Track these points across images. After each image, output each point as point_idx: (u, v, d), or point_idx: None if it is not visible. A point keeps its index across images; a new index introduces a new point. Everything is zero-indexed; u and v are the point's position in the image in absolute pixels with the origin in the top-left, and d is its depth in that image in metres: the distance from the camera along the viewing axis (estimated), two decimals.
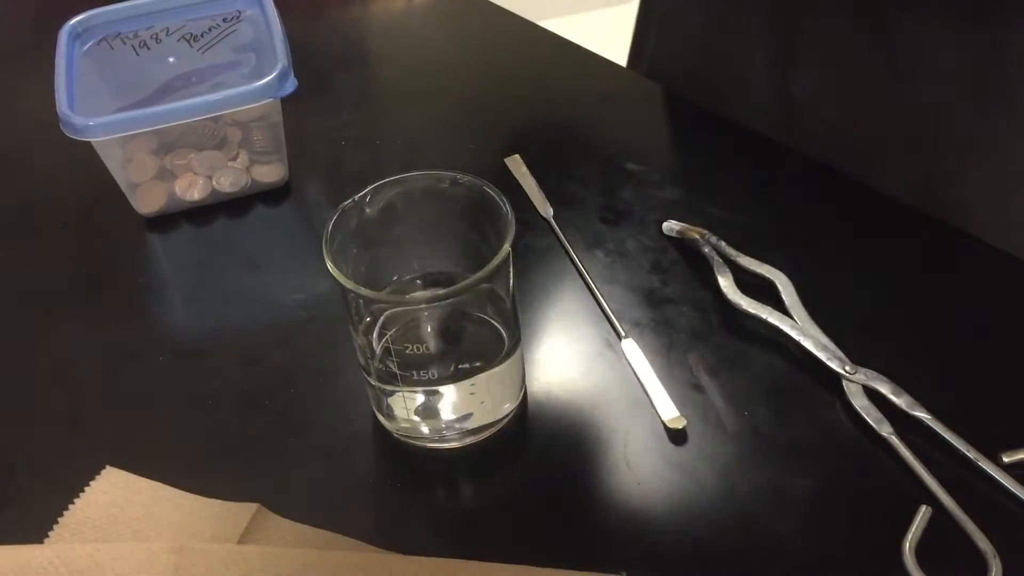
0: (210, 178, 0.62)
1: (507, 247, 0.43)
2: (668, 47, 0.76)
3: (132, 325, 0.56)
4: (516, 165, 0.63)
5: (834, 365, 0.49)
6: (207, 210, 0.62)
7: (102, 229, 0.62)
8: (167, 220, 0.62)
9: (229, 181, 0.62)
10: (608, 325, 0.53)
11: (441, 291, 0.42)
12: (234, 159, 0.63)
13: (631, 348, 0.52)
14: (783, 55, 0.66)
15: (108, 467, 0.47)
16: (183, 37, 0.62)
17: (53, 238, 0.62)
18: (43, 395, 0.52)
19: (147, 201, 0.61)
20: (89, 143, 0.56)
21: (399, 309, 0.46)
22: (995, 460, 0.45)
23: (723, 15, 0.70)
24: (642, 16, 0.79)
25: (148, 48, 0.62)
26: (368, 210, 0.47)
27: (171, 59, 0.63)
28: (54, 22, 0.62)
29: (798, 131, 0.67)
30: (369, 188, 0.46)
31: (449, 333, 0.48)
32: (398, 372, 0.45)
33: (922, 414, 0.47)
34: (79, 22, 0.61)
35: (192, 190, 0.62)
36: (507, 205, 0.44)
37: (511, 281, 0.46)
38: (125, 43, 0.61)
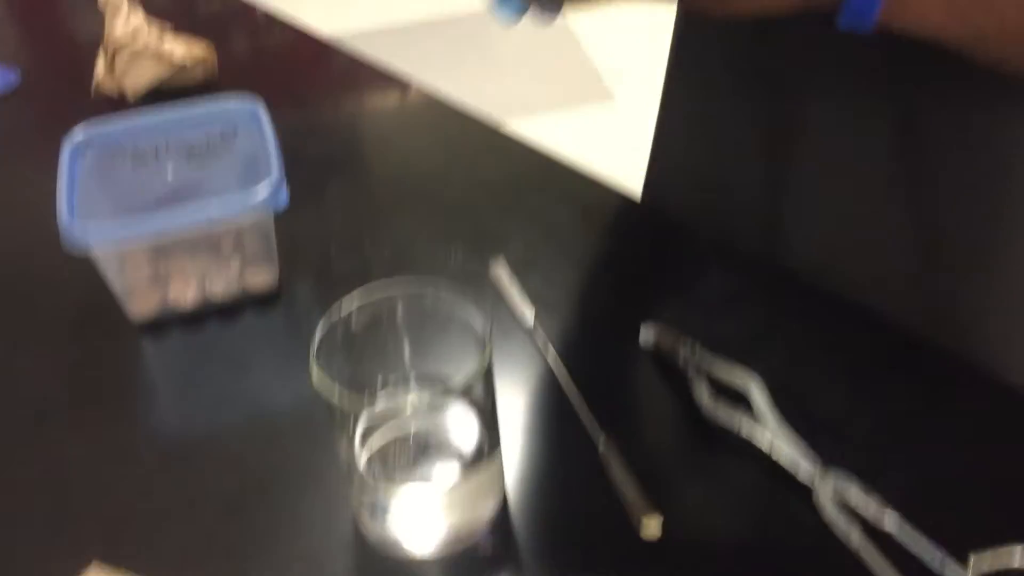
0: (202, 285, 0.64)
1: (485, 357, 0.45)
2: (675, 178, 0.79)
3: (122, 429, 0.57)
4: (500, 272, 0.66)
5: (805, 469, 0.50)
6: (198, 316, 0.64)
7: (95, 334, 0.63)
8: (159, 325, 0.64)
9: (221, 287, 0.64)
10: (586, 432, 0.55)
11: (422, 402, 0.44)
12: (227, 264, 0.65)
13: (610, 455, 0.53)
14: (777, 180, 0.68)
15: (94, 562, 0.48)
16: (181, 151, 0.65)
17: (47, 342, 0.63)
18: (33, 496, 0.53)
19: (141, 306, 0.63)
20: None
21: (381, 416, 0.47)
22: (965, 562, 0.46)
23: (724, 146, 0.72)
24: (654, 152, 0.82)
25: (147, 161, 0.65)
26: (354, 317, 0.49)
27: (169, 172, 0.65)
28: (56, 130, 0.65)
29: (786, 251, 0.68)
30: (354, 295, 0.48)
31: (431, 440, 0.49)
32: (380, 478, 0.46)
33: (891, 516, 0.48)
34: (81, 136, 0.64)
35: (185, 296, 0.63)
36: (487, 319, 0.46)
37: (491, 388, 0.48)
38: (126, 156, 0.64)
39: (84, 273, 0.61)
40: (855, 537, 0.47)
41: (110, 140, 0.64)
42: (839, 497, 0.49)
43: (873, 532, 0.48)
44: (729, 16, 0.47)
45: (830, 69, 0.61)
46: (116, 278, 0.61)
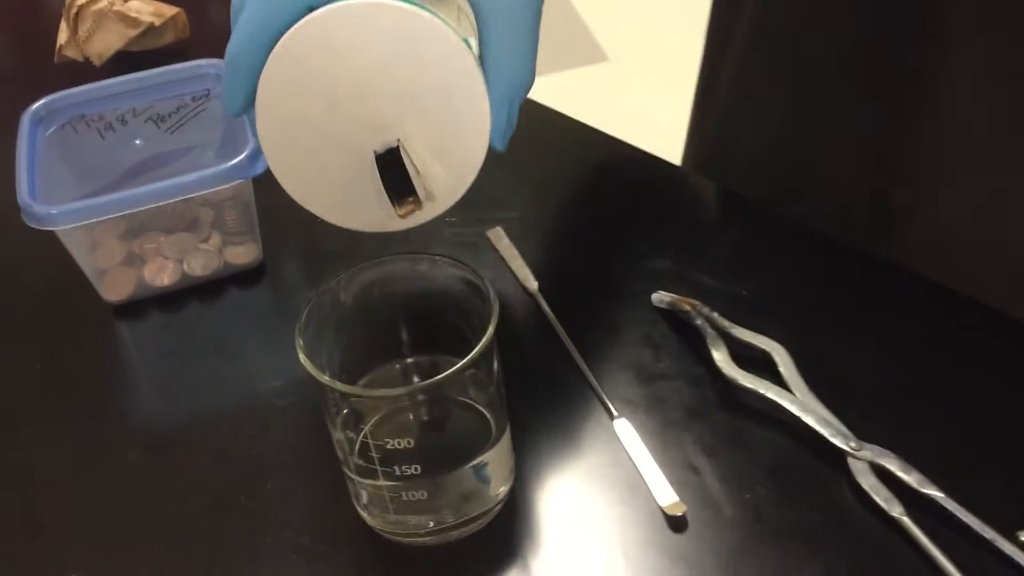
0: (180, 262, 0.60)
1: (490, 332, 0.41)
2: (735, 142, 0.68)
3: (98, 421, 0.53)
4: (498, 237, 0.61)
5: (838, 442, 0.47)
6: (178, 295, 0.60)
7: (66, 319, 0.59)
8: (135, 307, 0.59)
9: (200, 264, 0.60)
10: (599, 404, 0.51)
11: (420, 383, 0.40)
12: (205, 241, 0.60)
13: (624, 428, 0.49)
14: (888, 159, 0.58)
15: None
16: (150, 118, 0.60)
17: (13, 329, 0.59)
18: (2, 499, 0.49)
19: (114, 288, 0.59)
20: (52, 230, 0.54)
21: (377, 399, 0.43)
22: (1013, 539, 0.42)
23: (811, 108, 0.61)
24: (701, 106, 0.72)
25: (114, 130, 0.60)
26: (343, 295, 0.45)
27: (137, 141, 0.61)
28: (17, 101, 0.60)
29: (898, 242, 0.59)
30: (344, 273, 0.44)
31: (432, 423, 0.45)
32: (379, 468, 0.42)
33: (934, 492, 0.44)
34: (43, 106, 0.59)
35: (162, 275, 0.59)
36: (489, 288, 0.42)
37: (496, 364, 0.44)
38: (90, 126, 0.60)
39: (52, 251, 0.56)
40: (896, 511, 0.44)
41: (73, 109, 0.60)
42: (876, 469, 0.46)
43: (914, 506, 0.44)
44: None
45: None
46: (85, 260, 0.57)
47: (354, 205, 0.35)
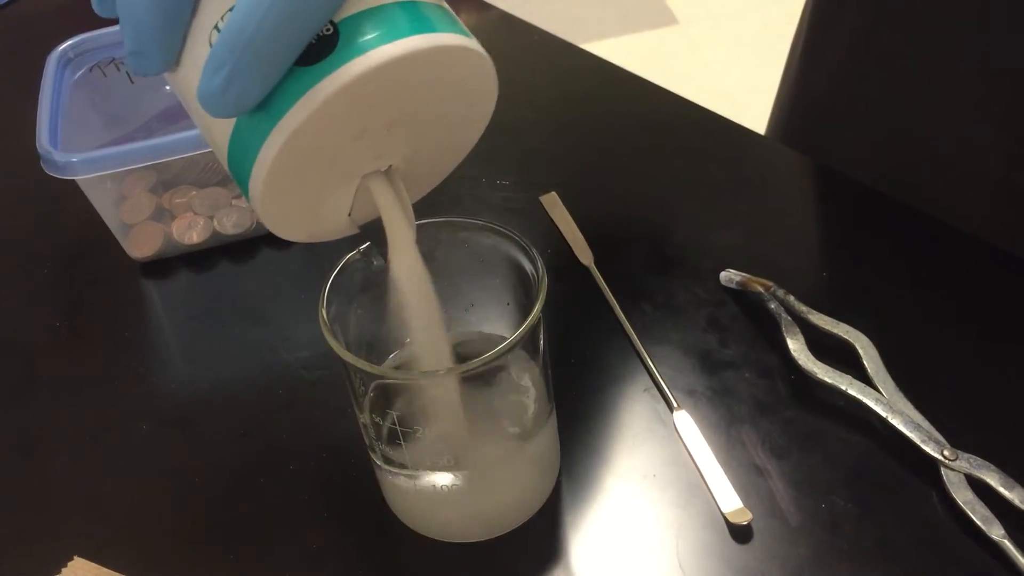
0: (211, 218, 0.56)
1: (538, 309, 0.36)
2: (842, 115, 0.62)
3: (115, 387, 0.49)
4: (552, 204, 0.56)
5: (929, 448, 0.41)
6: (208, 254, 0.56)
7: (90, 275, 0.56)
8: (163, 265, 0.56)
9: (232, 222, 0.56)
10: (657, 393, 0.46)
11: (457, 364, 0.35)
12: (239, 196, 0.56)
13: (684, 422, 0.44)
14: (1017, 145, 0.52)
15: (76, 558, 0.41)
16: None
17: (34, 286, 0.56)
18: (9, 469, 0.46)
19: (140, 244, 0.55)
20: (75, 180, 0.50)
21: (408, 383, 0.39)
22: None
23: (942, 79, 0.54)
24: (798, 74, 0.65)
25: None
26: (376, 263, 0.40)
27: (168, 87, 0.57)
28: (52, 44, 0.56)
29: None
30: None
31: (469, 407, 0.41)
32: (408, 458, 0.38)
33: None
34: (70, 47, 0.56)
35: (191, 232, 0.55)
36: (538, 259, 0.37)
37: (543, 343, 0.39)
38: (119, 69, 0.56)
39: (78, 205, 0.53)
40: (996, 532, 0.38)
41: (102, 51, 0.56)
42: (973, 482, 0.40)
43: (1017, 528, 0.38)
44: None
45: None
46: (110, 212, 0.53)
47: (311, 217, 0.32)
